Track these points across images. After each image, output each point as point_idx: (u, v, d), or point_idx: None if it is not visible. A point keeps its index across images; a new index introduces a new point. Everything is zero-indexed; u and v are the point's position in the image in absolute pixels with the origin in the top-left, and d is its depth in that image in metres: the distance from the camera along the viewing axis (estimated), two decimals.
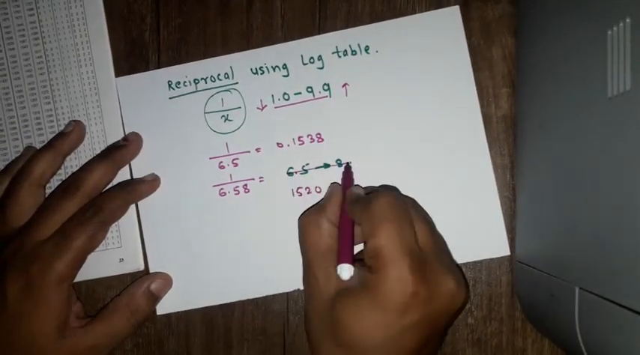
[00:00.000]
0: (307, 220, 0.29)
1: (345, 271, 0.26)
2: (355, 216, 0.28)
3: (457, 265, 0.29)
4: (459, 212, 0.33)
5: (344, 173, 0.33)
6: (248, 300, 0.34)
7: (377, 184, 0.33)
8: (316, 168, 0.34)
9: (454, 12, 0.33)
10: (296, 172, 0.34)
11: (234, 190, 0.34)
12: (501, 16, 0.33)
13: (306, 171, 0.34)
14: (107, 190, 0.33)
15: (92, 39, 0.35)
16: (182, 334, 0.35)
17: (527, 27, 0.31)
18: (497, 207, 0.33)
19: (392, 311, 0.25)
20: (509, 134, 0.33)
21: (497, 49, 0.33)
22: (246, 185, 0.34)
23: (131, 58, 0.35)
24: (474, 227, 0.33)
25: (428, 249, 0.27)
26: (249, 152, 0.34)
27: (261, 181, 0.34)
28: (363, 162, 0.34)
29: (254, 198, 0.34)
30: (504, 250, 0.33)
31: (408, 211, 0.27)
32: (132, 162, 0.35)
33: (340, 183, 0.33)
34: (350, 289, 0.26)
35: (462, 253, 0.33)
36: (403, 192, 0.33)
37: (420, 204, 0.32)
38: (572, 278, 0.24)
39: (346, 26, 0.34)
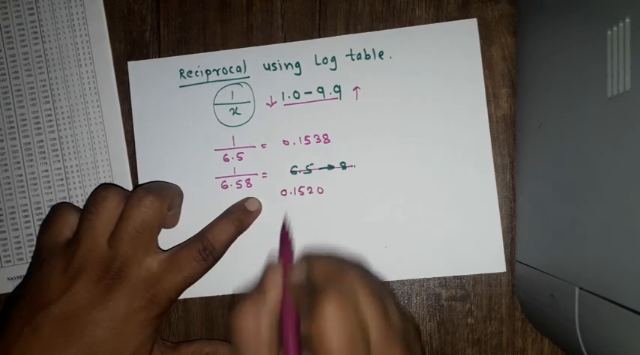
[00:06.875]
0: (246, 310, 0.26)
1: None
2: (299, 311, 0.26)
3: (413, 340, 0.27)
4: (459, 225, 0.33)
5: (281, 244, 0.30)
6: None
7: (378, 189, 0.33)
8: (320, 168, 0.34)
9: (472, 24, 0.33)
10: (299, 171, 0.34)
11: (237, 184, 0.34)
12: (501, 15, 0.33)
13: (309, 171, 0.34)
14: (218, 223, 0.32)
15: (92, 39, 0.35)
16: (182, 334, 0.35)
17: (526, 27, 0.31)
18: (498, 223, 0.33)
19: None
20: (509, 134, 0.33)
21: (496, 49, 0.33)
22: (249, 179, 0.34)
23: (131, 58, 0.35)
24: (472, 241, 0.33)
25: (378, 343, 0.24)
26: (254, 147, 0.34)
27: (264, 177, 0.34)
28: (368, 166, 0.34)
29: (256, 193, 0.34)
30: (500, 266, 0.33)
31: (358, 312, 0.24)
32: (137, 148, 0.35)
33: (278, 255, 0.30)
34: None
35: (457, 266, 0.33)
36: (404, 200, 0.33)
37: (422, 213, 0.32)
38: (572, 278, 0.24)
39: (346, 26, 0.34)
